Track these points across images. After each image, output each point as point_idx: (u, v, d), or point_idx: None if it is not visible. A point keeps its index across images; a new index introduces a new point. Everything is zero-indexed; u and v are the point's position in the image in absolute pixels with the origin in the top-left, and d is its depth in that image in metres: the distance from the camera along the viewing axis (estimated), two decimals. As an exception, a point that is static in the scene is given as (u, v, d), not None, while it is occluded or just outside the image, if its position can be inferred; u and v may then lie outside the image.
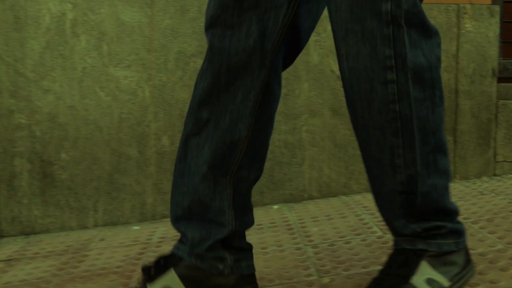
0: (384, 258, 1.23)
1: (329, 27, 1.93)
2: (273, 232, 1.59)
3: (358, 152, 1.97)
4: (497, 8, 1.98)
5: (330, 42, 1.94)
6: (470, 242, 1.26)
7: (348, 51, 0.76)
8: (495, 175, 2.02)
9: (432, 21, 1.96)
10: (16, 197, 1.89)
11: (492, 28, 1.98)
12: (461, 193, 1.81)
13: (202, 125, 0.87)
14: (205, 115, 0.86)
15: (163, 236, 1.68)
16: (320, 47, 1.93)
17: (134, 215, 1.92)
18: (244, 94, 0.85)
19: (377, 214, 1.67)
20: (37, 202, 1.89)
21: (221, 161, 0.86)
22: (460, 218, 1.48)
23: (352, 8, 0.74)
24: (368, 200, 1.88)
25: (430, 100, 0.78)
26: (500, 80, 2.03)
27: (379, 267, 1.18)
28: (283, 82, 1.91)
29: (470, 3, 1.98)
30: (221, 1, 0.83)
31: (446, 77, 1.97)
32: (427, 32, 0.77)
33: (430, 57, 0.77)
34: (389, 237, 1.40)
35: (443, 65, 1.96)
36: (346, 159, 1.97)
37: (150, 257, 1.46)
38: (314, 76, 1.93)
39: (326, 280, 1.13)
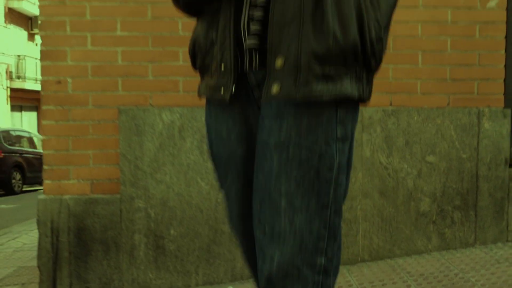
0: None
1: (379, 128, 2.47)
2: (345, 298, 2.13)
3: (400, 225, 2.51)
4: (508, 111, 2.51)
5: (379, 140, 2.47)
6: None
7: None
8: (507, 241, 2.56)
9: (457, 122, 2.49)
10: (135, 264, 2.42)
11: (505, 127, 2.52)
12: (482, 261, 2.35)
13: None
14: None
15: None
16: (371, 144, 2.47)
17: (227, 276, 2.46)
18: None
19: (420, 279, 2.21)
20: (152, 268, 2.42)
21: None
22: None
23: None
24: (409, 264, 2.42)
25: None
26: None
27: None
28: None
29: (488, 107, 2.51)
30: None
31: (468, 165, 2.51)
32: None
33: None
34: (436, 308, 1.94)
35: (466, 155, 2.50)
36: (390, 230, 2.51)
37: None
38: (366, 167, 2.47)
39: None
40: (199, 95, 1.11)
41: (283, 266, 0.90)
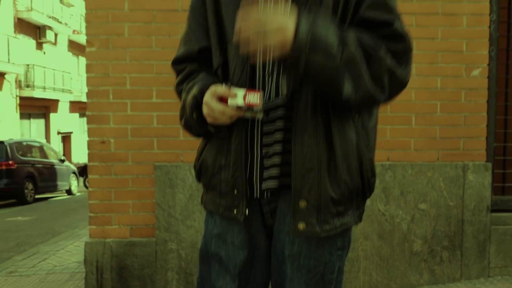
0: None
1: (377, 180, 2.86)
2: (349, 331, 2.52)
3: (396, 263, 2.90)
4: (489, 164, 2.91)
5: (378, 190, 2.87)
6: None
7: None
8: (489, 276, 2.95)
9: (445, 175, 2.89)
10: (168, 297, 2.82)
11: (487, 178, 2.91)
12: (466, 295, 2.75)
13: None
14: None
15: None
16: (371, 194, 2.86)
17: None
18: None
19: (412, 314, 2.59)
20: (182, 300, 2.82)
21: None
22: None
23: None
24: (404, 298, 2.80)
25: None
26: (492, 211, 2.95)
27: None
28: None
29: (472, 161, 2.91)
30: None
31: (455, 212, 2.90)
32: None
33: None
34: None
35: (453, 203, 2.89)
36: (387, 268, 2.90)
37: None
38: (367, 214, 2.86)
39: None
40: (205, 207, 1.31)
41: None
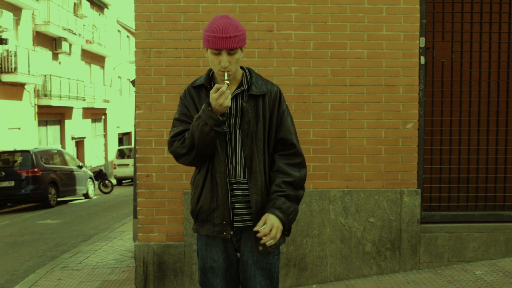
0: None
1: (339, 201, 4.06)
2: (316, 305, 3.72)
3: (353, 260, 4.11)
4: (419, 190, 4.11)
5: (339, 208, 4.07)
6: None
7: None
8: (419, 269, 4.15)
9: (388, 198, 4.09)
10: (193, 283, 4.04)
11: (418, 200, 4.11)
12: (402, 281, 3.95)
13: None
14: None
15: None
16: (335, 211, 4.07)
17: None
18: None
19: (361, 295, 3.80)
20: (202, 286, 4.03)
21: None
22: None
23: None
24: (358, 284, 4.01)
25: None
26: (421, 223, 4.16)
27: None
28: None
29: (406, 188, 4.11)
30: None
31: (395, 224, 4.11)
32: None
33: None
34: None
35: (394, 218, 4.09)
36: (347, 263, 4.10)
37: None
38: (331, 225, 4.07)
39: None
40: (199, 233, 2.26)
41: None
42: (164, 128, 4.00)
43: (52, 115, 22.38)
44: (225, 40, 2.11)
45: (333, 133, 4.06)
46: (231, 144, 2.23)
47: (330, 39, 4.02)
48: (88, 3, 25.87)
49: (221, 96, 2.07)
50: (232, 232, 2.24)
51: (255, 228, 2.14)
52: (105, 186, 18.66)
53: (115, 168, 23.23)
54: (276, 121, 2.26)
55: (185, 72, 3.98)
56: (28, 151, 13.86)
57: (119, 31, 32.37)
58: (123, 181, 23.30)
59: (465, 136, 4.31)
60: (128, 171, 23.02)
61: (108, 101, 28.08)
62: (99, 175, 18.69)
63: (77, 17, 24.21)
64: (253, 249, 2.25)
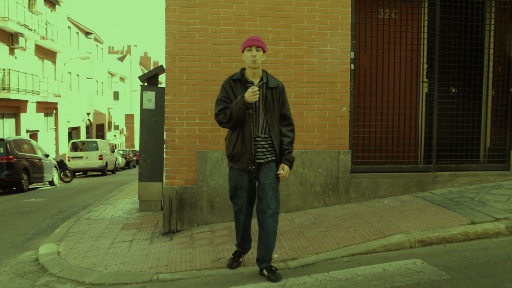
0: None
1: (299, 159, 6.21)
2: (286, 222, 5.84)
3: (308, 197, 6.26)
4: (350, 151, 6.32)
5: (299, 162, 6.20)
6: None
7: None
8: (350, 202, 6.38)
9: (330, 156, 6.27)
10: (202, 213, 6.04)
11: (349, 158, 6.32)
12: (339, 210, 6.14)
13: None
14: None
15: None
16: (296, 164, 6.20)
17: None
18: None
19: (316, 217, 5.96)
20: (209, 214, 6.05)
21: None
22: (334, 217, 5.80)
23: None
24: (310, 212, 6.16)
25: None
26: (352, 172, 6.37)
27: None
28: (285, 175, 6.17)
29: (342, 149, 6.31)
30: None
31: (335, 173, 6.30)
32: None
33: None
34: (316, 222, 5.68)
35: (333, 169, 6.29)
36: (304, 199, 6.25)
37: None
38: (294, 174, 6.19)
39: None
40: (232, 167, 4.10)
41: (276, 206, 4.08)
42: (184, 108, 5.96)
43: (8, 108, 23.15)
44: (254, 41, 3.93)
45: (295, 113, 6.11)
46: (256, 115, 3.97)
47: (293, 51, 6.15)
48: (42, 0, 26.65)
49: (254, 95, 3.82)
50: (254, 167, 4.05)
51: (278, 172, 4.00)
52: (66, 175, 19.82)
53: (69, 160, 24.04)
54: (280, 103, 4.05)
55: (198, 71, 5.97)
56: (3, 139, 15.02)
57: (69, 27, 33.10)
58: (76, 173, 24.01)
59: (379, 116, 6.60)
60: (82, 163, 24.15)
61: (59, 96, 28.89)
62: (60, 165, 19.83)
63: (33, 13, 25.01)
64: (266, 175, 4.00)
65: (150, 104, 7.82)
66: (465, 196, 6.06)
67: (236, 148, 4.02)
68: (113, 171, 27.05)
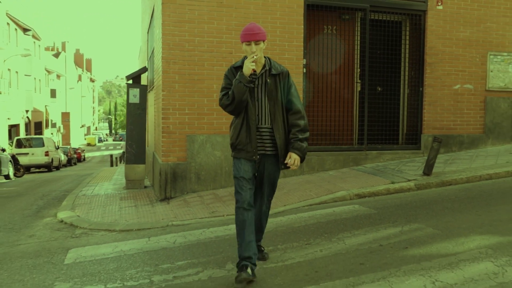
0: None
1: (265, 140, 8.03)
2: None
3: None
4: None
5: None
6: (294, 187, 7.43)
7: None
8: (305, 174, 8.29)
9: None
10: (191, 183, 7.71)
11: (302, 140, 8.24)
12: (314, 178, 8.01)
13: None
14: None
15: (232, 191, 7.61)
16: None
17: (228, 183, 7.83)
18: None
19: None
20: (195, 185, 7.73)
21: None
22: (293, 184, 7.67)
23: None
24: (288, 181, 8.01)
25: None
26: (304, 151, 8.29)
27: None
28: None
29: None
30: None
31: (292, 152, 8.18)
32: None
33: None
34: (280, 188, 7.52)
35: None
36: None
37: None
38: (261, 152, 8.01)
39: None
40: (235, 156, 3.62)
41: (271, 195, 3.94)
42: (176, 101, 7.59)
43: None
44: (252, 36, 3.43)
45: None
46: (259, 104, 3.61)
47: (260, 58, 7.96)
48: (-16, -3, 26.55)
49: (250, 62, 3.41)
50: (258, 157, 3.62)
51: (286, 161, 3.62)
52: (18, 170, 20.38)
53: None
54: (285, 89, 3.66)
55: (188, 73, 7.63)
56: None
57: (8, 24, 32.86)
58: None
59: (325, 109, 8.57)
60: (27, 159, 24.50)
61: (0, 93, 28.86)
62: (12, 160, 20.33)
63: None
64: (267, 167, 3.74)
65: (135, 99, 9.32)
66: (388, 167, 8.16)
67: (241, 137, 3.66)
68: (57, 168, 27.49)
